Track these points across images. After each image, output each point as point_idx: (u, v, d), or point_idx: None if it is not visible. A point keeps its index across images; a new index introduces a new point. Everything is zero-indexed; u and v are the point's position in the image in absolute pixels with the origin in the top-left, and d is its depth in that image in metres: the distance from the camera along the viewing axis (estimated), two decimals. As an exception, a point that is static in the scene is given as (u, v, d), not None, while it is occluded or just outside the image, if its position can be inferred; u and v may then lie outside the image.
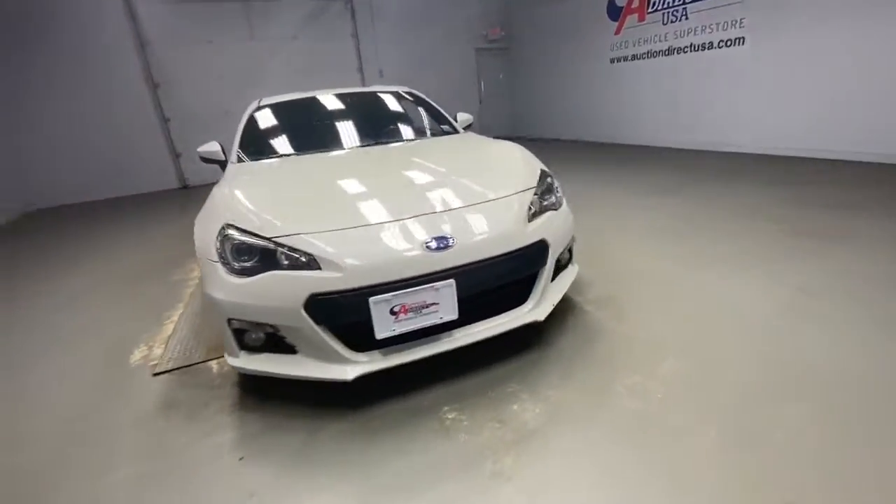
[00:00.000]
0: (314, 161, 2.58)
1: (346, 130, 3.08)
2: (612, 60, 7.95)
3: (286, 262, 1.67)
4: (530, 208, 1.99)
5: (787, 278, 2.51)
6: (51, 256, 4.48)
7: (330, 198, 2.01)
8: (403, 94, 3.55)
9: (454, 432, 1.62)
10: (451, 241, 1.72)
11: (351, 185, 2.14)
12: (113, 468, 1.63)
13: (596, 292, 2.58)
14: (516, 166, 2.29)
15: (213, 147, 2.93)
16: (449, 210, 1.87)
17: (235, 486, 1.49)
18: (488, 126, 10.82)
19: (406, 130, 3.17)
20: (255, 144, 2.86)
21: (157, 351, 2.43)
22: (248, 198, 1.96)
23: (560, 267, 2.20)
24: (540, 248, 1.93)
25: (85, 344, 2.59)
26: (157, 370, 2.23)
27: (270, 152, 2.79)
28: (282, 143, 2.93)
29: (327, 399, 1.85)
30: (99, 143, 7.48)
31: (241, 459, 1.60)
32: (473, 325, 1.84)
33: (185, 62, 7.85)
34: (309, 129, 3.09)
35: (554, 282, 2.12)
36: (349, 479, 1.48)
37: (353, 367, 1.69)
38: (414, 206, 1.89)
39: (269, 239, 1.70)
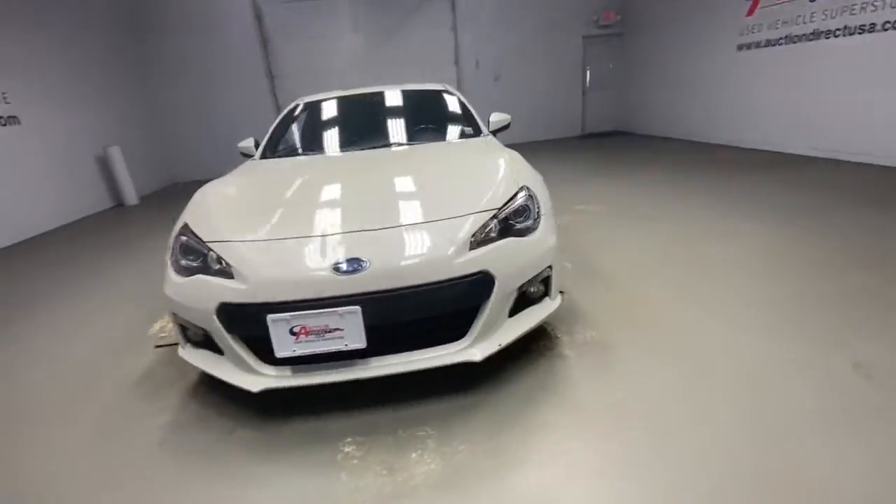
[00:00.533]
0: (309, 163, 2.64)
1: (361, 131, 3.09)
2: (739, 47, 6.66)
3: (214, 268, 1.72)
4: (479, 233, 1.75)
5: None
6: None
7: (286, 204, 2.02)
8: (439, 92, 3.42)
9: (339, 469, 1.53)
10: (365, 264, 1.60)
11: (317, 193, 2.12)
12: (72, 423, 1.89)
13: (593, 335, 2.20)
14: (492, 182, 2.04)
15: (248, 143, 3.17)
16: (385, 228, 1.75)
17: (135, 465, 1.62)
18: (591, 120, 10.01)
19: (420, 133, 3.04)
20: (276, 142, 3.02)
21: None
22: (216, 199, 2.07)
23: (529, 301, 1.93)
24: (480, 280, 1.69)
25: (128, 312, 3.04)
26: (160, 343, 2.52)
27: (283, 151, 2.92)
28: (295, 143, 3.06)
29: (255, 403, 1.88)
30: (223, 128, 8.67)
31: (159, 445, 1.73)
32: (391, 357, 1.70)
33: (296, 56, 8.65)
34: (326, 129, 3.16)
35: (514, 317, 1.86)
36: (228, 487, 1.49)
37: (261, 379, 1.69)
38: (354, 220, 1.80)
39: (204, 242, 1.77)
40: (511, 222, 1.87)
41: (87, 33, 6.84)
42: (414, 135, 3.05)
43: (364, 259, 1.61)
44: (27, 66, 5.59)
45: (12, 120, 5.35)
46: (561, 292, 2.12)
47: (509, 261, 1.77)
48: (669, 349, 2.04)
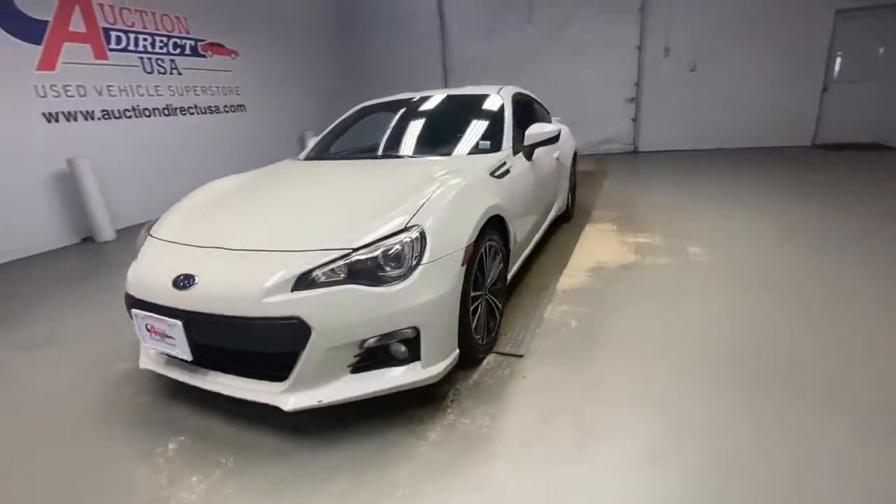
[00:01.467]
0: (305, 168, 2.73)
1: (386, 139, 3.05)
2: None
3: None
4: (318, 272, 1.57)
5: None
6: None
7: (219, 209, 2.16)
8: (479, 99, 3.08)
9: (140, 477, 1.64)
10: (194, 282, 1.64)
11: (249, 202, 2.20)
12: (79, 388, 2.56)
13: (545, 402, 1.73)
14: (380, 215, 1.76)
15: (311, 142, 3.51)
16: (236, 250, 1.73)
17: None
18: (831, 126, 7.31)
19: (432, 144, 2.80)
20: (323, 144, 3.25)
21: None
22: (195, 196, 2.39)
23: (386, 361, 1.66)
24: (292, 326, 1.53)
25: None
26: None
27: (312, 154, 3.13)
28: (326, 147, 3.20)
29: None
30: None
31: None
32: (220, 376, 1.72)
33: (471, 50, 8.89)
34: (355, 136, 3.22)
35: (359, 375, 1.63)
36: (64, 469, 1.76)
37: (145, 358, 1.96)
38: (225, 236, 1.83)
39: (149, 235, 2.10)
40: (380, 265, 1.61)
41: (299, 36, 8.51)
42: (424, 146, 2.84)
43: (196, 277, 1.66)
44: (251, 64, 7.36)
45: (241, 108, 7.21)
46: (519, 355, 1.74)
47: (340, 311, 1.55)
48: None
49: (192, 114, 6.39)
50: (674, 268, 3.08)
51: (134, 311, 1.78)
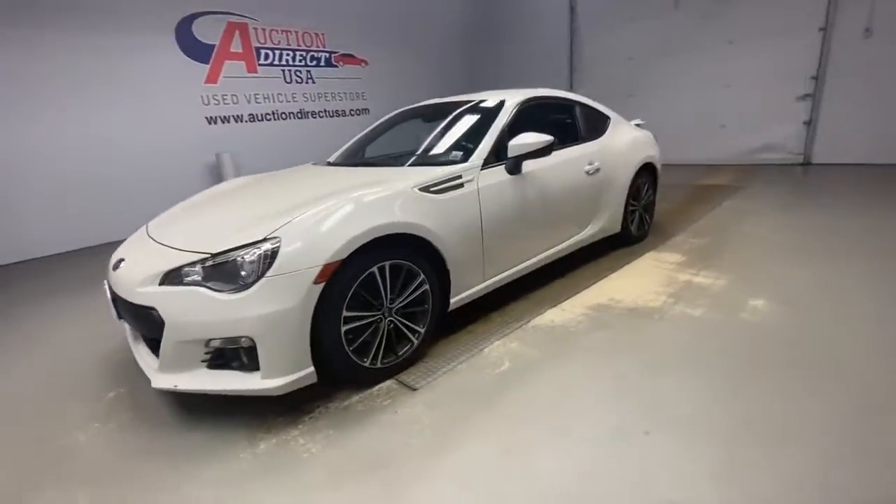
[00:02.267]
0: (299, 173, 2.89)
1: (393, 146, 3.04)
2: None
3: None
4: (185, 270, 1.72)
5: None
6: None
7: (199, 203, 2.50)
8: (477, 107, 2.83)
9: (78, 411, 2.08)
10: (122, 265, 1.96)
11: (226, 204, 2.42)
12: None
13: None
14: (261, 226, 1.80)
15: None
16: (162, 244, 1.98)
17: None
18: None
19: (416, 154, 2.66)
20: (347, 149, 3.42)
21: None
22: (195, 196, 2.78)
23: (232, 362, 1.73)
24: (150, 315, 1.71)
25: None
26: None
27: (335, 158, 3.30)
28: (353, 152, 3.33)
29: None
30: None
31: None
32: (142, 347, 2.01)
33: (602, 44, 8.08)
34: (372, 140, 3.26)
35: (212, 371, 1.74)
36: None
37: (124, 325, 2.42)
38: (173, 233, 2.09)
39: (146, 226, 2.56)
40: (228, 273, 1.69)
41: (426, 41, 8.91)
42: (403, 155, 2.75)
43: (123, 262, 1.98)
44: (378, 70, 8.04)
45: (365, 111, 8.01)
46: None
47: (186, 310, 1.68)
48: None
49: (321, 117, 7.39)
50: (701, 325, 2.36)
51: (105, 282, 2.23)
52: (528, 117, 2.83)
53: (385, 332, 1.99)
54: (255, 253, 1.68)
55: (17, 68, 4.67)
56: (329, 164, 3.16)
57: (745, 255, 3.30)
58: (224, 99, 6.26)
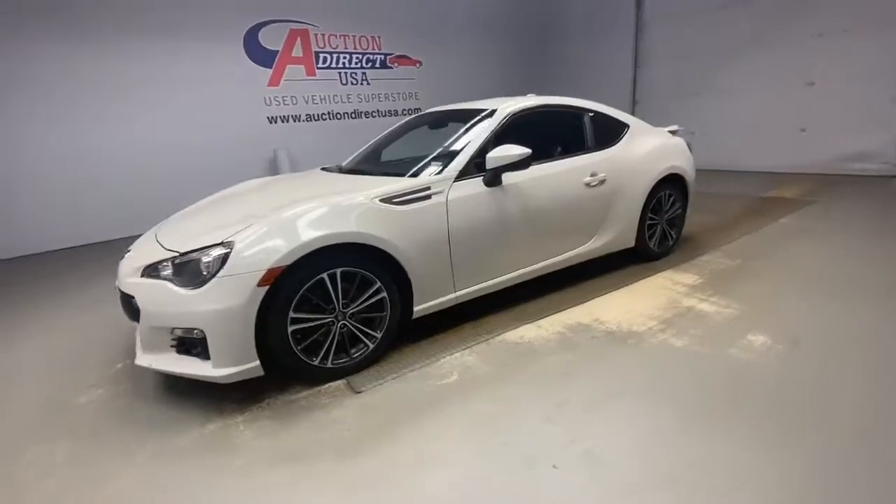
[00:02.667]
0: (299, 179, 3.04)
1: (402, 151, 3.12)
2: None
3: None
4: (161, 265, 1.98)
5: None
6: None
7: (204, 209, 2.74)
8: (472, 114, 2.80)
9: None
10: (125, 257, 2.27)
11: (223, 206, 2.61)
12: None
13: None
14: (227, 229, 1.99)
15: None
16: (158, 242, 2.24)
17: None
18: None
19: (409, 163, 2.70)
20: (356, 156, 3.56)
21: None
22: (208, 197, 3.06)
23: (190, 349, 1.95)
24: (131, 302, 1.99)
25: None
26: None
27: (344, 164, 3.44)
28: (363, 159, 3.42)
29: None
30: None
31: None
32: None
33: (669, 39, 7.47)
34: (384, 146, 3.35)
35: (176, 355, 1.97)
36: None
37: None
38: (171, 231, 2.35)
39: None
40: (189, 270, 1.90)
41: (481, 41, 8.82)
42: (400, 164, 2.81)
43: (127, 255, 2.29)
44: (432, 71, 8.15)
45: (417, 111, 8.18)
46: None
47: (154, 300, 1.93)
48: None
49: (374, 117, 7.70)
50: (678, 356, 2.18)
51: None
52: (524, 127, 2.77)
53: (336, 334, 2.10)
54: (211, 255, 1.88)
55: (108, 74, 5.45)
56: (340, 169, 3.32)
57: (773, 283, 2.94)
58: (284, 100, 6.78)
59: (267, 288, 1.87)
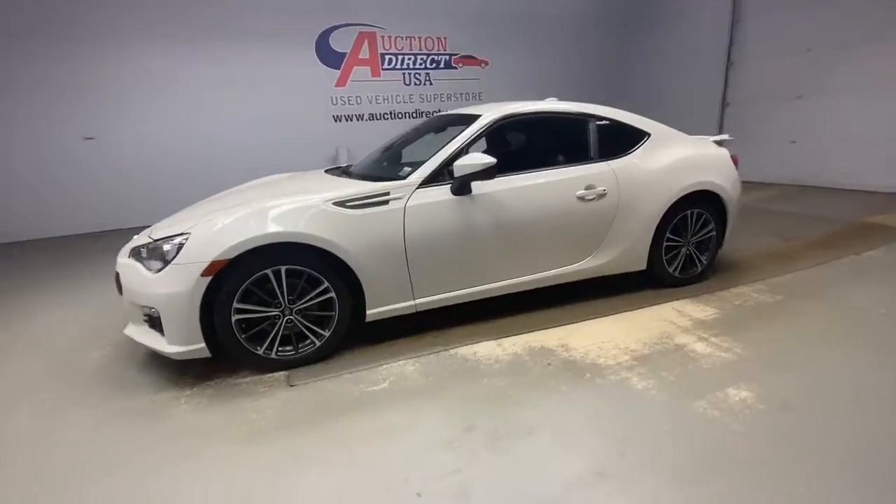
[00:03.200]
0: (298, 178, 3.17)
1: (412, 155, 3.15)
2: None
3: None
4: (139, 249, 2.24)
5: None
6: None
7: (216, 200, 3.03)
8: (465, 120, 2.71)
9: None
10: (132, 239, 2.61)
11: (229, 199, 2.85)
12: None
13: None
14: (194, 221, 2.19)
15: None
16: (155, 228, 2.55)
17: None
18: None
19: (380, 169, 2.72)
20: (364, 160, 3.63)
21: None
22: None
23: (157, 323, 2.18)
24: (118, 279, 2.28)
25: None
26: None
27: (350, 167, 3.52)
28: (370, 162, 3.47)
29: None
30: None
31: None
32: None
33: (767, 33, 6.47)
34: (390, 150, 3.38)
35: (150, 329, 2.23)
36: None
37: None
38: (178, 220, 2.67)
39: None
40: (153, 256, 2.14)
41: (554, 43, 8.39)
42: (377, 168, 2.83)
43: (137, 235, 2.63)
44: (498, 72, 8.00)
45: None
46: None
47: (129, 279, 2.21)
48: None
49: (435, 116, 7.82)
50: (628, 401, 1.93)
51: None
52: (517, 134, 2.64)
53: (281, 328, 2.21)
54: (172, 243, 2.10)
55: (181, 74, 6.19)
56: (343, 171, 3.41)
57: (804, 330, 2.45)
58: (349, 100, 7.18)
59: (210, 278, 2.03)
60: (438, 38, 7.51)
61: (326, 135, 7.11)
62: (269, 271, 2.12)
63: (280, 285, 2.15)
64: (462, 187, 2.39)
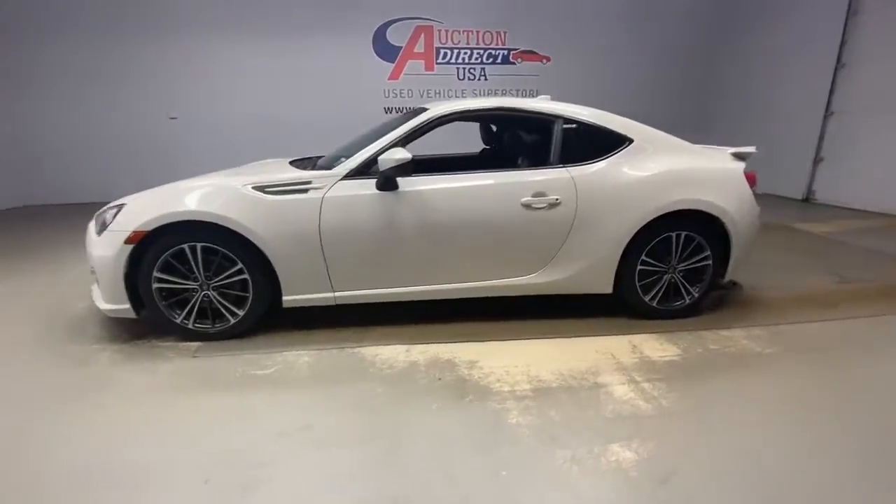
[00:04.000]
0: (267, 164, 3.26)
1: None
2: None
3: None
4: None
5: None
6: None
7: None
8: (413, 115, 2.61)
9: None
10: None
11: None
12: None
13: None
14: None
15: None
16: None
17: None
18: None
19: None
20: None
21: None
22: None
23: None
24: (86, 239, 2.59)
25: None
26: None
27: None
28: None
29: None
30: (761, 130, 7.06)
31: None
32: None
33: (893, 30, 5.20)
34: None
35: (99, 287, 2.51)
36: None
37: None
38: None
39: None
40: (105, 222, 2.39)
41: (637, 35, 7.62)
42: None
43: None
44: (560, 69, 7.52)
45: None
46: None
47: (86, 240, 2.46)
48: None
49: (488, 112, 7.63)
50: (489, 437, 1.71)
51: None
52: (481, 130, 2.47)
53: (197, 301, 2.34)
54: (111, 212, 2.32)
55: (248, 62, 6.78)
56: (311, 162, 3.45)
57: (765, 396, 1.97)
58: (401, 93, 7.31)
59: (133, 247, 2.21)
60: (497, 33, 7.30)
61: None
62: (185, 246, 2.25)
63: (196, 261, 2.28)
64: (386, 182, 2.31)
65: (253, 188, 2.30)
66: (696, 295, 2.69)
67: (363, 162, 2.37)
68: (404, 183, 2.35)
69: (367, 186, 2.34)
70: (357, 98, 7.17)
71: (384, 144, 2.39)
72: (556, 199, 2.42)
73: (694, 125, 7.68)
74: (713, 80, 7.79)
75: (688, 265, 2.64)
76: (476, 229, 2.42)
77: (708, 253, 2.63)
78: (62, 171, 6.63)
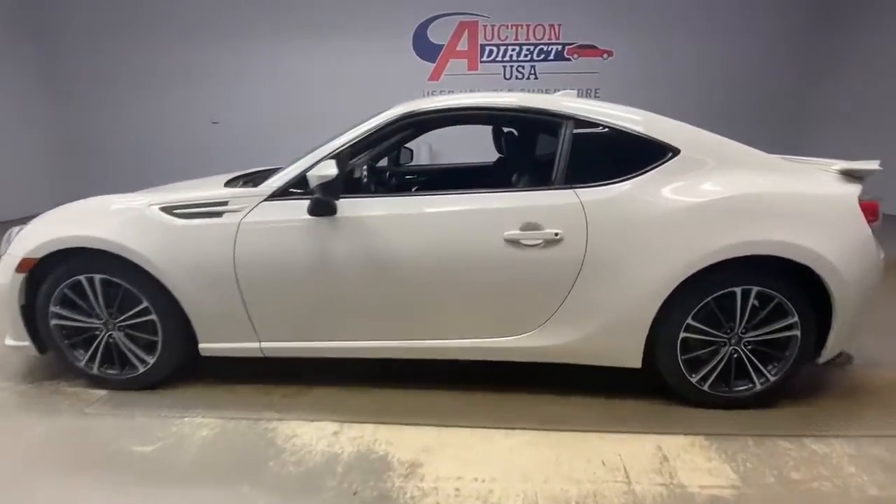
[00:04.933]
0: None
1: None
2: None
3: None
4: None
5: None
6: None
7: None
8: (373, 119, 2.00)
9: None
10: None
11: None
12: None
13: None
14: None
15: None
16: None
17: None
18: None
19: None
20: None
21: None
22: None
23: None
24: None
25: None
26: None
27: None
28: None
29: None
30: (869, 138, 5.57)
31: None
32: None
33: None
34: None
35: None
36: None
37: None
38: None
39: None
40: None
41: (705, 34, 6.40)
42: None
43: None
44: (623, 64, 6.51)
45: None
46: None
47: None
48: None
49: (537, 115, 6.83)
50: None
51: None
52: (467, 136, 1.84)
53: (101, 343, 1.93)
54: (11, 233, 1.98)
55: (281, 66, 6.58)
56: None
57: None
58: (441, 94, 6.75)
59: (24, 276, 1.85)
60: (550, 26, 6.49)
61: (413, 130, 6.84)
62: (82, 278, 1.85)
63: (96, 296, 1.87)
64: (317, 206, 1.73)
65: (159, 209, 1.83)
66: (773, 378, 1.81)
67: (293, 178, 1.81)
68: (348, 207, 1.77)
69: (298, 209, 1.77)
70: (395, 100, 6.58)
71: (324, 156, 1.82)
72: (556, 235, 1.70)
73: (790, 131, 6.33)
74: (818, 74, 6.33)
75: (761, 335, 1.78)
76: (441, 272, 1.77)
77: (795, 320, 1.75)
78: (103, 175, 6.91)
